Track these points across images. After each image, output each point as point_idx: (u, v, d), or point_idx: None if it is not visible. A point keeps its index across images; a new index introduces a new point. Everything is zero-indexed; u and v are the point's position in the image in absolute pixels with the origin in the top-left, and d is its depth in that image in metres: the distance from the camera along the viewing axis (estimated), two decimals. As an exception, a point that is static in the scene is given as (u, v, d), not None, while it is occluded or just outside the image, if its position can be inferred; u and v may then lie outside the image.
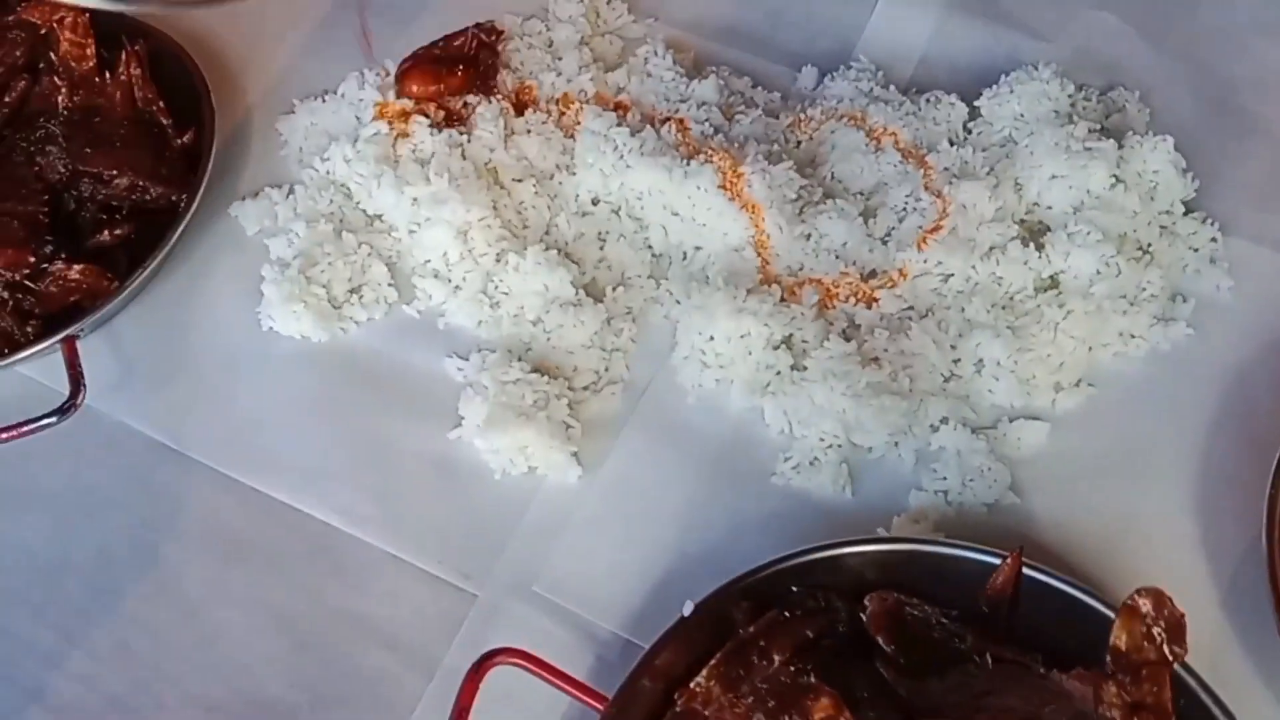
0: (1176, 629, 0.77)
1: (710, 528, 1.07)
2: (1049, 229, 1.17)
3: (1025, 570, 0.92)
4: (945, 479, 1.05)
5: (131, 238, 1.23)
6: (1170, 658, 0.78)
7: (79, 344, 1.15)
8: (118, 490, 1.14)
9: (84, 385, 1.11)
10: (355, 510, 1.10)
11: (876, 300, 1.15)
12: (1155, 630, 0.77)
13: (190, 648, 1.05)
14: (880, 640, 0.91)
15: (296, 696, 1.02)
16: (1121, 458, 1.08)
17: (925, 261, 1.14)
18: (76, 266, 1.17)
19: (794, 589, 0.95)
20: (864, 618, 0.92)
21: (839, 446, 1.08)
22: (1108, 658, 0.78)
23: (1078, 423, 1.10)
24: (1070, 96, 1.24)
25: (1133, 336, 1.12)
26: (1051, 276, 1.14)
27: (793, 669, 0.85)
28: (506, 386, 1.10)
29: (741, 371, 1.12)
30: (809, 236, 1.17)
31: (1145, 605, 0.78)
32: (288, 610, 1.06)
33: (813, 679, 0.84)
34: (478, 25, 1.37)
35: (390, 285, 1.22)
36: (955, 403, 1.09)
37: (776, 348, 1.12)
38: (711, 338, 1.13)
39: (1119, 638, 0.77)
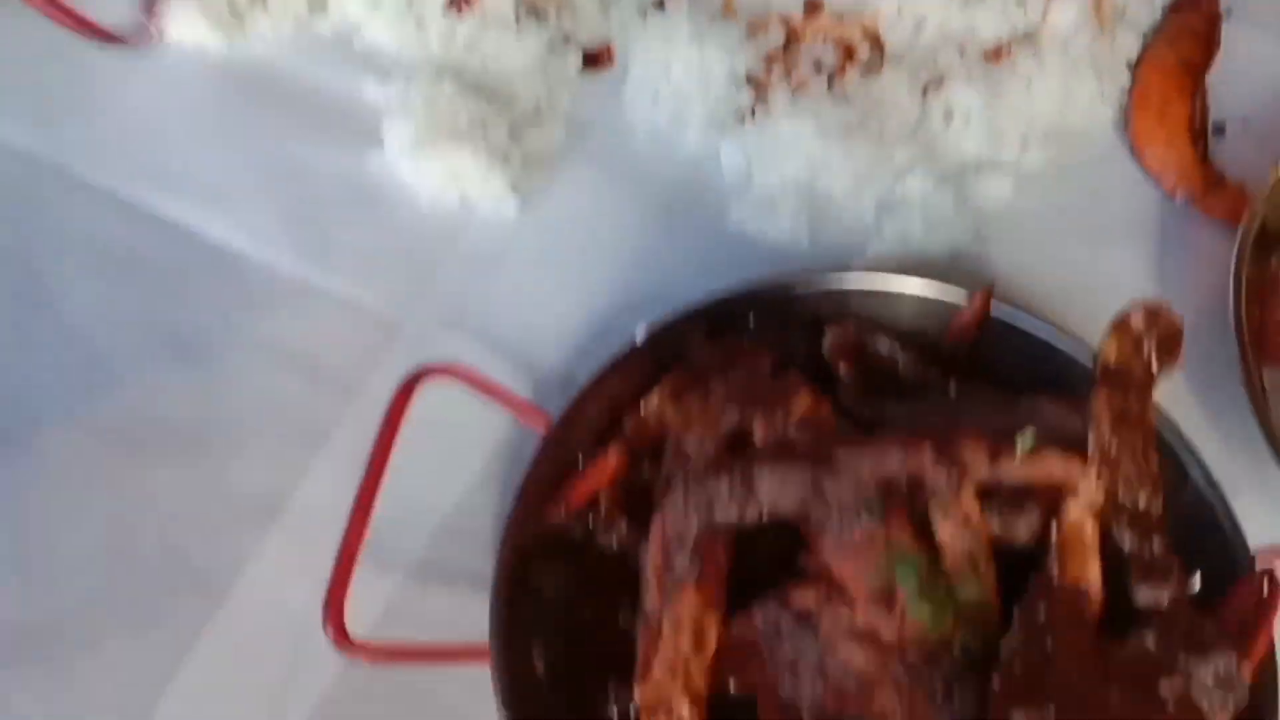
0: (1171, 343, 0.74)
1: (659, 269, 0.99)
2: (1028, -22, 1.10)
3: (995, 309, 0.88)
4: (908, 225, 1.00)
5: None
6: (1157, 374, 0.74)
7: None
8: (-13, 205, 0.99)
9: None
10: (265, 234, 0.99)
11: (847, 46, 1.06)
12: (1146, 342, 0.74)
13: (73, 369, 0.93)
14: (840, 370, 0.86)
15: (198, 418, 0.92)
16: (1086, 218, 1.04)
17: (900, 9, 1.06)
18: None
19: (752, 323, 0.89)
20: (823, 349, 0.88)
21: (800, 191, 1.01)
22: (1095, 371, 0.74)
23: (1043, 180, 1.05)
24: None
25: (1103, 98, 1.08)
26: (1027, 32, 1.08)
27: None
28: (438, 105, 0.99)
29: (699, 109, 1.03)
30: (778, -29, 1.07)
31: (1138, 321, 0.74)
32: (187, 335, 0.95)
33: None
34: None
35: (303, -5, 1.08)
36: (923, 151, 1.03)
37: (739, 86, 1.03)
38: (668, 68, 1.03)
39: (1107, 353, 0.74)
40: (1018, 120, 1.04)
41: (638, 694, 0.71)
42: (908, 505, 0.69)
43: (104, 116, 1.03)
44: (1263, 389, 0.96)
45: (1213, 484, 0.85)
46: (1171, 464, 0.85)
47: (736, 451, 0.71)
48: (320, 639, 0.84)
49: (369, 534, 0.88)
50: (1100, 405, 0.71)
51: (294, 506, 0.89)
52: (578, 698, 0.81)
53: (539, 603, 0.82)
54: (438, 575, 0.89)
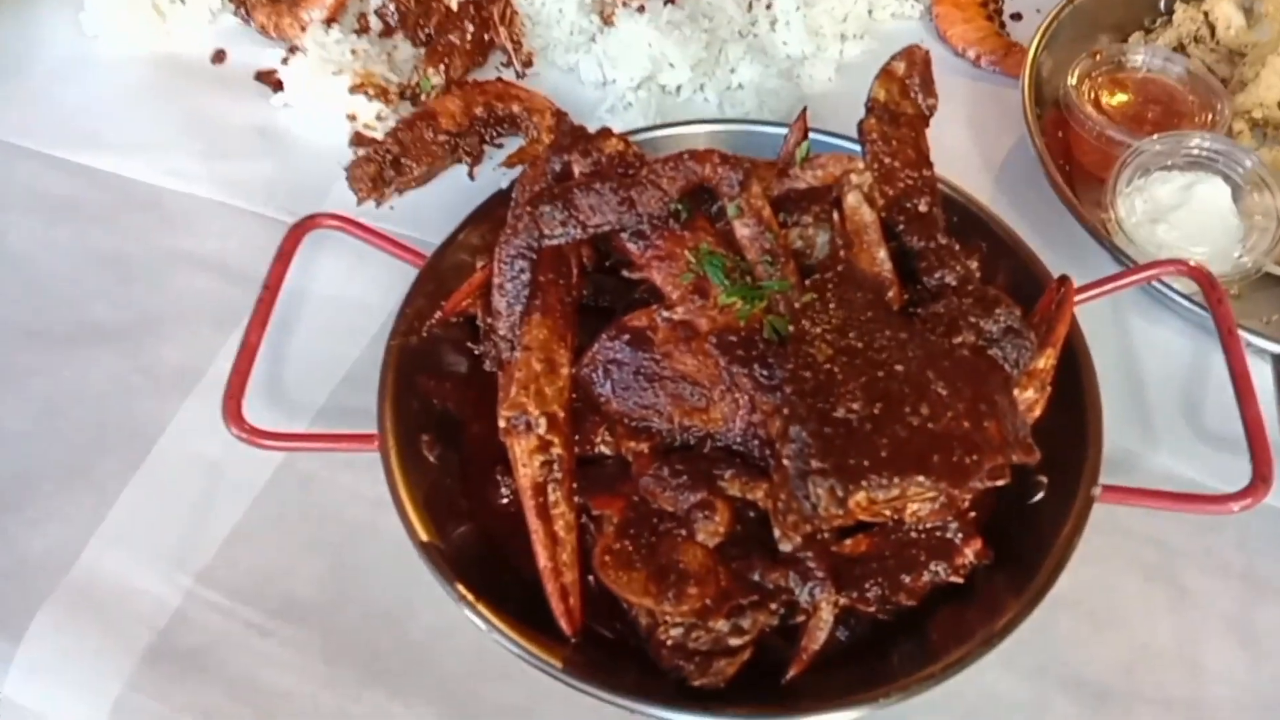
0: (926, 78, 0.86)
1: None
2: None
3: (812, 135, 1.01)
4: (744, 103, 1.14)
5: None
6: (925, 110, 0.87)
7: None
8: (-65, 174, 1.14)
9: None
10: (181, 171, 1.13)
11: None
12: (911, 84, 0.86)
13: (14, 290, 1.05)
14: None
15: (121, 317, 1.03)
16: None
17: (720, -60, 1.25)
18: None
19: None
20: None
21: (649, 88, 1.16)
22: (867, 107, 0.86)
23: (862, 67, 1.20)
24: None
25: (906, 1, 1.25)
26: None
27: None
28: (326, 46, 1.15)
29: (557, 35, 1.20)
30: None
31: (900, 67, 0.87)
32: (116, 255, 1.07)
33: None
34: None
35: (217, -7, 1.26)
36: (753, 49, 1.18)
37: (589, 12, 1.20)
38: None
39: (878, 93, 0.86)
40: (833, 20, 1.21)
41: (500, 420, 0.79)
42: (709, 217, 0.80)
43: (45, 100, 1.19)
44: (1072, 188, 1.08)
45: (1028, 251, 0.94)
46: (993, 243, 0.95)
47: (560, 183, 0.82)
48: (234, 478, 0.93)
49: (280, 389, 0.99)
50: (870, 127, 0.83)
51: (209, 379, 0.99)
52: (469, 483, 0.89)
53: (427, 407, 0.90)
54: (343, 415, 0.97)
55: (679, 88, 1.17)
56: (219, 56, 1.23)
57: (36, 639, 0.84)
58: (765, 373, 0.75)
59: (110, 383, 0.99)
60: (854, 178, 0.78)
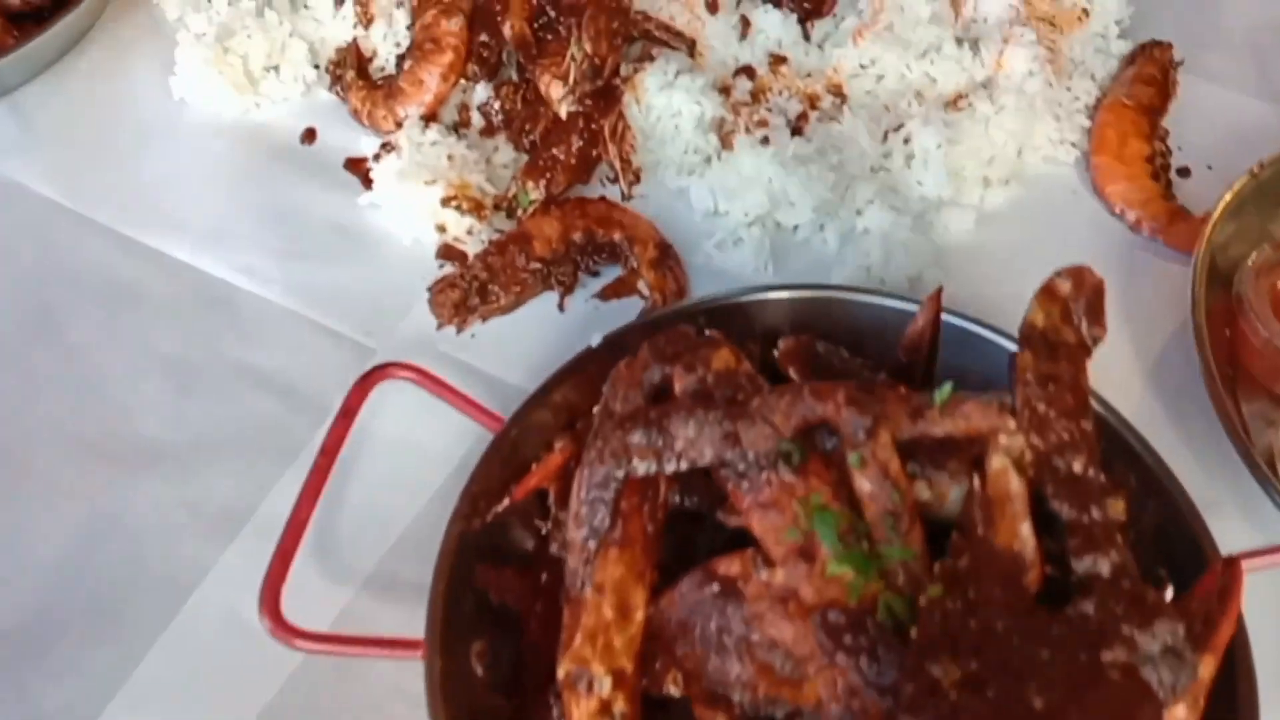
0: (1095, 305, 0.74)
1: (629, 304, 1.03)
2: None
3: (945, 317, 0.89)
4: (869, 253, 1.02)
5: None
6: (1089, 341, 0.74)
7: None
8: (4, 242, 1.08)
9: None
10: (257, 270, 1.05)
11: (810, 96, 1.12)
12: (1074, 310, 0.74)
13: (68, 389, 0.99)
14: (791, 373, 0.87)
15: (175, 437, 0.96)
16: (1047, 252, 1.03)
17: (861, 62, 1.12)
18: (-22, 21, 1.11)
19: (706, 331, 0.91)
20: (776, 355, 0.89)
21: (763, 225, 1.05)
22: (1021, 334, 0.74)
23: (1006, 216, 1.08)
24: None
25: (1063, 141, 1.11)
26: (984, 81, 1.12)
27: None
28: (421, 147, 1.06)
29: (670, 153, 1.09)
30: (744, 33, 1.15)
31: (1064, 286, 0.75)
32: (178, 360, 1.00)
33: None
34: None
35: (313, 66, 1.18)
36: (885, 188, 1.06)
37: (707, 131, 1.09)
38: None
39: (1035, 316, 0.74)
40: (977, 161, 1.08)
41: (559, 668, 0.70)
42: (826, 458, 0.69)
43: (123, 169, 1.12)
44: (1237, 407, 0.94)
45: (1184, 495, 0.82)
46: (1143, 477, 0.83)
47: (656, 403, 0.72)
48: (270, 649, 0.84)
49: (328, 546, 0.91)
50: (1024, 364, 0.71)
51: (258, 519, 0.91)
52: (520, 703, 0.79)
53: (483, 605, 0.81)
54: (393, 586, 0.88)
55: (796, 227, 1.06)
56: (309, 136, 1.15)
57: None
58: (875, 669, 0.64)
59: (152, 515, 0.92)
60: (1003, 439, 0.67)
